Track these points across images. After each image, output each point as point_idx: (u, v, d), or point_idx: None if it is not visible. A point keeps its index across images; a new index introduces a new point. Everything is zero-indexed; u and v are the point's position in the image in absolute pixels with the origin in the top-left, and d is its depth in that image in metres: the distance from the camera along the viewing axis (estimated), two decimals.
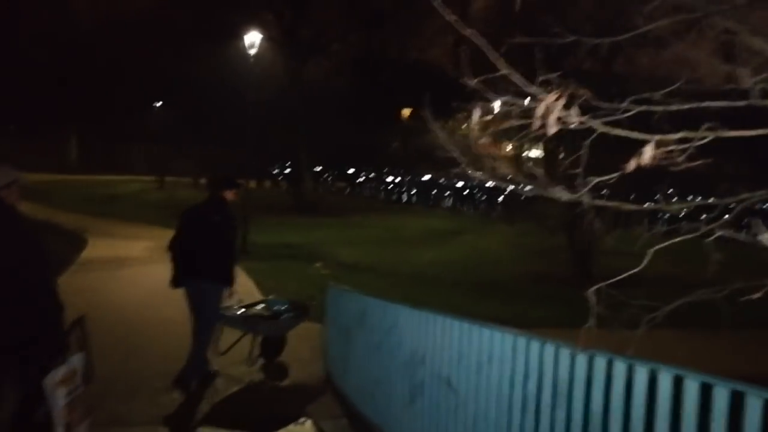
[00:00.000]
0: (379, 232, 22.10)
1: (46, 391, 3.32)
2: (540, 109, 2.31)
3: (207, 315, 6.04)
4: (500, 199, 26.63)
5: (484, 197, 28.19)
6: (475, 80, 3.17)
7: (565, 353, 2.94)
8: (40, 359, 3.37)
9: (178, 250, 6.16)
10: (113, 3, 37.58)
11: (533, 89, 2.45)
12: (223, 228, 6.04)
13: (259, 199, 22.91)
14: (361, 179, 35.49)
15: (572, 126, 2.38)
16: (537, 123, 2.34)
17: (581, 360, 2.83)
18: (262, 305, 6.95)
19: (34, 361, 3.38)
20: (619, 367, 2.68)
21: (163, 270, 12.75)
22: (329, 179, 37.08)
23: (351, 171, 36.35)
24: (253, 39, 15.66)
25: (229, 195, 6.18)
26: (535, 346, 3.14)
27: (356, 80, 39.86)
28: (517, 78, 2.68)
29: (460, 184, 30.73)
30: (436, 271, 14.74)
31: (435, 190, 30.98)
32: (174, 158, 35.85)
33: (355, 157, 37.37)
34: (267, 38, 20.98)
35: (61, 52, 41.78)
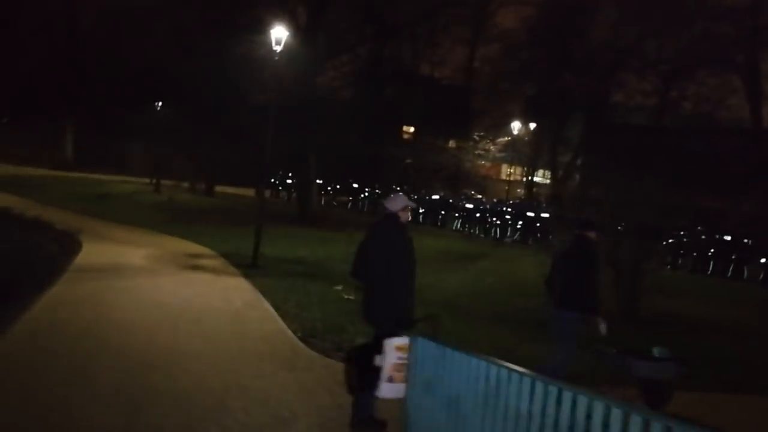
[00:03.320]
0: None
1: (385, 348, 4.94)
2: None
3: (558, 338, 7.00)
4: (519, 224, 25.30)
5: (497, 221, 26.86)
6: None
7: None
8: (393, 326, 5.09)
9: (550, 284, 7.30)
10: None
11: None
12: (587, 263, 6.96)
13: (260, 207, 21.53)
14: (365, 194, 34.09)
15: None
16: None
17: None
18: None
19: (388, 326, 5.11)
20: None
21: (172, 284, 11.31)
22: (331, 192, 35.75)
23: (355, 185, 34.96)
24: (280, 34, 14.25)
25: (593, 235, 7.20)
26: None
27: (365, 92, 38.63)
28: None
29: (470, 205, 29.48)
30: (467, 302, 13.31)
31: (444, 211, 29.60)
32: (173, 160, 34.25)
33: (359, 170, 36.15)
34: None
35: (61, 42, 40.33)
